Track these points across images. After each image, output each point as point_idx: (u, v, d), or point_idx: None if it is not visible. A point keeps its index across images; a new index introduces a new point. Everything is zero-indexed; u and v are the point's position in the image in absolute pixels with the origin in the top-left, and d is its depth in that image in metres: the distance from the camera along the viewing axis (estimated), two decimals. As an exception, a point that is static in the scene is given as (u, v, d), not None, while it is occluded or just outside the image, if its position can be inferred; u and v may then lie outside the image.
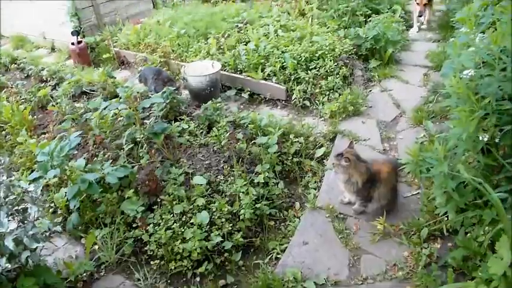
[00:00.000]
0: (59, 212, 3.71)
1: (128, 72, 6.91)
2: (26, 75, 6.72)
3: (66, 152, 3.37)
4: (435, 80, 5.36)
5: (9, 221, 2.54)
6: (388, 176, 3.32)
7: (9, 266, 2.47)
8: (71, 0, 7.40)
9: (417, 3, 7.20)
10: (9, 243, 2.44)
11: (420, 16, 7.52)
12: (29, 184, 2.86)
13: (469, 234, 2.86)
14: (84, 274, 3.13)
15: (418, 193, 3.61)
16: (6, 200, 2.61)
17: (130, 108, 4.02)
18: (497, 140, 2.63)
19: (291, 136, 4.19)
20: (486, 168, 2.77)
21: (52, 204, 3.78)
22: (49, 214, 3.66)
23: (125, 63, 7.16)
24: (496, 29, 3.09)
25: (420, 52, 6.45)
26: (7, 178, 2.69)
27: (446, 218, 3.10)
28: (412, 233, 3.20)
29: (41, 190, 3.01)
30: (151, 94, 4.87)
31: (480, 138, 2.62)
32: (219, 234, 3.17)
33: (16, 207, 2.66)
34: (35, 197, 2.77)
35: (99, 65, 7.16)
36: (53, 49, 8.44)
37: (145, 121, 4.14)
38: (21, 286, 2.56)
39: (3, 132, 4.88)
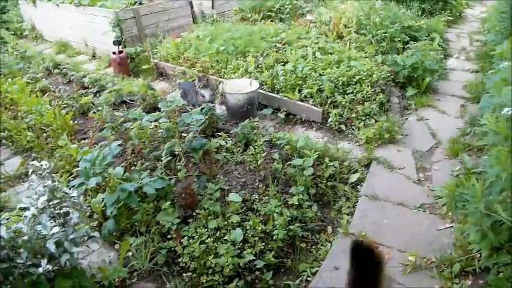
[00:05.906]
0: (95, 216, 3.77)
1: (166, 83, 7.04)
2: (67, 80, 6.94)
3: (108, 161, 3.46)
4: (472, 111, 5.24)
5: (51, 223, 2.64)
6: None
7: (50, 267, 2.54)
8: (114, 11, 7.64)
9: None
10: (51, 245, 2.53)
11: None
12: (71, 189, 2.95)
13: (501, 274, 2.80)
14: (117, 280, 3.18)
15: (451, 227, 3.55)
16: (50, 203, 2.70)
17: (170, 122, 4.11)
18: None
19: (326, 159, 4.18)
20: (524, 208, 2.72)
21: (88, 209, 3.84)
22: (85, 218, 3.74)
23: (164, 75, 7.30)
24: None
25: (458, 82, 6.39)
26: (51, 182, 2.78)
27: (479, 255, 3.04)
28: (444, 267, 3.14)
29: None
30: (190, 108, 4.97)
31: (520, 178, 2.59)
32: (251, 252, 3.19)
33: (58, 211, 2.75)
34: (76, 203, 2.86)
35: (138, 75, 7.35)
36: (93, 56, 8.71)
37: (183, 134, 4.22)
38: (59, 287, 2.64)
39: (44, 135, 5.00)
